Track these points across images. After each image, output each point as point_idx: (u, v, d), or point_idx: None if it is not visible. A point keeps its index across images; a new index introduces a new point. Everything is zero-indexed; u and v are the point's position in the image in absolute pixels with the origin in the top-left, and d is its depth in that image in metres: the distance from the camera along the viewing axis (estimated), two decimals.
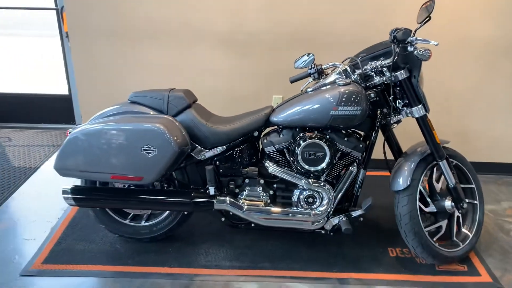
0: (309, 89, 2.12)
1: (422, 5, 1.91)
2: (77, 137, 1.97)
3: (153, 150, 1.92)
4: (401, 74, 2.00)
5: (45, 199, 2.72)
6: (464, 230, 2.30)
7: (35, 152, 3.26)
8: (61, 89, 3.69)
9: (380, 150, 2.24)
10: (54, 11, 3.41)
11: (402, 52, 1.95)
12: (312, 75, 2.15)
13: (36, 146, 3.36)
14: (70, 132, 2.02)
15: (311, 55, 2.11)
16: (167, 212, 2.27)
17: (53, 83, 4.68)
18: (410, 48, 1.91)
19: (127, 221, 2.29)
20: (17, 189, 2.81)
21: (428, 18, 1.86)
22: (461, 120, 3.04)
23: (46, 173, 3.02)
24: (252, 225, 2.22)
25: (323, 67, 2.14)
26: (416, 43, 1.90)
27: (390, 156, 2.26)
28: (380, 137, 2.21)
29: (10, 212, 2.59)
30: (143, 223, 2.29)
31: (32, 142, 3.42)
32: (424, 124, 2.09)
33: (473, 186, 2.31)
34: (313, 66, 2.12)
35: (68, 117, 3.67)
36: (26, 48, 6.70)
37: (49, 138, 3.49)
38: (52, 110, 3.69)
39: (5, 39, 7.10)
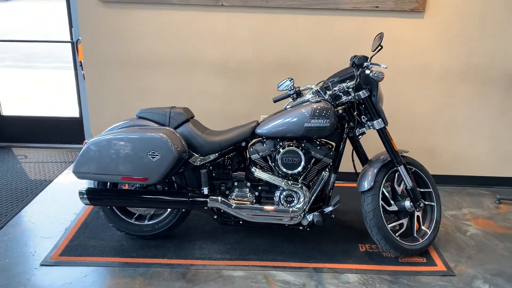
0: (288, 107, 2.54)
1: (376, 36, 2.36)
2: (92, 146, 2.36)
3: (157, 155, 2.31)
4: (363, 94, 2.42)
5: (59, 206, 3.08)
6: (423, 227, 2.65)
7: (49, 168, 3.64)
8: (72, 113, 4.11)
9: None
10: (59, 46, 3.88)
11: (362, 75, 2.38)
12: (291, 96, 2.56)
13: (50, 162, 3.74)
14: (86, 142, 2.41)
15: (291, 79, 2.53)
16: (168, 212, 2.63)
17: (57, 107, 5.13)
18: (367, 71, 2.34)
19: (132, 220, 2.64)
20: (34, 197, 3.17)
21: (380, 47, 2.30)
22: (426, 138, 3.45)
23: (60, 185, 3.38)
24: (240, 222, 2.58)
25: (300, 89, 2.56)
26: (371, 67, 2.34)
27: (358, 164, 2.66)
28: (350, 148, 2.62)
29: (29, 216, 2.95)
30: (146, 222, 2.64)
31: (46, 159, 3.81)
32: (383, 135, 2.50)
33: (431, 190, 2.67)
34: (292, 88, 2.54)
35: (78, 137, 4.05)
36: (38, 77, 7.22)
37: (62, 156, 3.87)
38: (64, 132, 4.08)
39: (17, 70, 7.63)
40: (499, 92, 3.31)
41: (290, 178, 2.50)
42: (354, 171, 2.65)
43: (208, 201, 2.49)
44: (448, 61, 3.24)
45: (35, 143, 4.11)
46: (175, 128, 2.49)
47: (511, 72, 3.25)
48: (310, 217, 2.50)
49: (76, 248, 2.60)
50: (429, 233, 2.62)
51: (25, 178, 3.46)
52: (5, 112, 4.12)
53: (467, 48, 3.21)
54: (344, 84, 2.43)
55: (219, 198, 2.50)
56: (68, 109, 5.15)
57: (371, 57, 2.38)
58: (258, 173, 2.52)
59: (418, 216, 2.64)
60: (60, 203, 3.12)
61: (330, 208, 2.48)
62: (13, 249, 2.58)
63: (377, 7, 3.10)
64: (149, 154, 2.31)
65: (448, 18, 3.14)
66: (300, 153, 2.42)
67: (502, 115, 3.36)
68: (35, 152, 3.95)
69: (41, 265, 2.44)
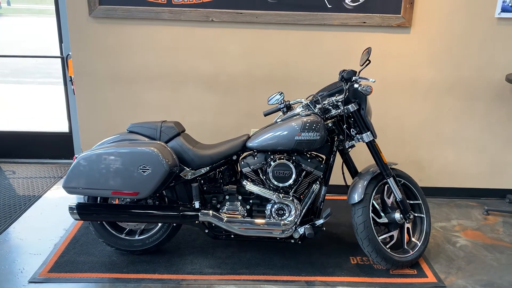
0: (278, 120, 2.56)
1: (363, 51, 2.41)
2: (83, 160, 2.35)
3: (148, 169, 2.31)
4: (352, 107, 2.46)
5: (48, 221, 3.04)
6: (413, 239, 2.67)
7: (38, 183, 3.61)
8: (62, 128, 4.09)
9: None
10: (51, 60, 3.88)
11: (351, 89, 2.42)
12: (281, 110, 2.59)
13: (39, 178, 3.71)
14: (76, 157, 2.40)
15: (281, 93, 2.56)
16: (158, 226, 2.61)
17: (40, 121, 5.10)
18: (356, 85, 2.38)
19: (122, 235, 2.61)
20: (23, 213, 3.13)
21: (368, 62, 2.34)
22: (415, 150, 3.49)
23: (49, 200, 3.35)
24: (232, 236, 2.57)
25: (290, 102, 2.59)
26: (360, 81, 2.38)
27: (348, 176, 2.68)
28: (340, 160, 2.65)
29: (17, 232, 2.91)
30: (137, 237, 2.62)
31: (35, 175, 3.77)
32: (372, 147, 2.53)
33: (420, 201, 2.70)
34: (282, 102, 2.57)
35: (68, 153, 4.02)
36: (28, 93, 7.19)
37: (50, 172, 3.84)
38: (54, 147, 4.04)
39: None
40: (485, 104, 3.37)
41: (281, 191, 2.51)
42: (344, 183, 2.67)
43: (199, 215, 2.48)
44: (434, 74, 3.31)
45: (23, 158, 4.07)
46: (166, 142, 2.49)
47: (496, 84, 3.32)
48: (301, 230, 2.50)
49: (66, 264, 2.56)
50: (419, 244, 2.64)
51: (13, 194, 3.42)
52: None
53: (453, 61, 3.28)
54: (333, 98, 2.47)
55: (211, 212, 2.50)
56: (58, 124, 5.13)
57: (359, 71, 2.42)
58: (249, 186, 2.53)
59: (408, 228, 2.66)
60: (49, 218, 3.08)
61: (321, 221, 2.49)
62: (1, 266, 2.54)
63: (364, 22, 3.16)
64: (140, 169, 2.31)
65: (434, 33, 3.22)
66: (291, 166, 2.44)
67: (489, 126, 3.43)
68: (23, 168, 3.91)
69: (30, 282, 2.41)
